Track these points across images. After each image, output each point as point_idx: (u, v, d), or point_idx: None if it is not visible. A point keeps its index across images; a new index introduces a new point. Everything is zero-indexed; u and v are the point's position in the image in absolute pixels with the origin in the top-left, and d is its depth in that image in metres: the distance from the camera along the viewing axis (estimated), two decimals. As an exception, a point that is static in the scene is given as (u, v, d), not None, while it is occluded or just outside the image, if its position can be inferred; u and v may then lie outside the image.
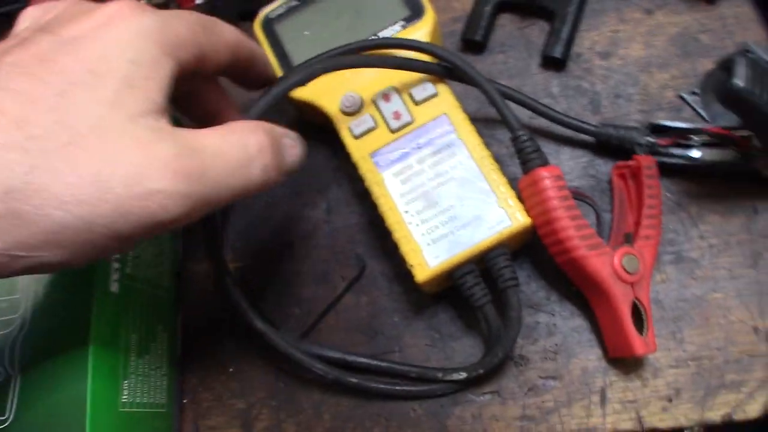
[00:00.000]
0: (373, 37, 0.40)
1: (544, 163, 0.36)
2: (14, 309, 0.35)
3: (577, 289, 0.39)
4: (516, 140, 0.37)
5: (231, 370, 0.42)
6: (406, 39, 0.39)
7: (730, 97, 0.34)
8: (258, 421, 0.41)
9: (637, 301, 0.36)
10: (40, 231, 0.24)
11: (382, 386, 0.39)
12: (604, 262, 0.35)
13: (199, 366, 0.42)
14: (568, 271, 0.37)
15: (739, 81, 0.33)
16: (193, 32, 0.30)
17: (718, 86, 0.34)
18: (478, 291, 0.37)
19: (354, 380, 0.38)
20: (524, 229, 0.36)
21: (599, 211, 0.40)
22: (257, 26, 0.43)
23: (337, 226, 0.43)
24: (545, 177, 0.36)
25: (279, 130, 0.32)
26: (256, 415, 0.41)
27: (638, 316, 0.36)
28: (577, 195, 0.39)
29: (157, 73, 0.28)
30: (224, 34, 0.33)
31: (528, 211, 0.37)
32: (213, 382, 0.42)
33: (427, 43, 0.39)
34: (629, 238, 0.38)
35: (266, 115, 0.36)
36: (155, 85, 0.27)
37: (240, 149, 0.29)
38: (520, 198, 0.37)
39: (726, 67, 0.34)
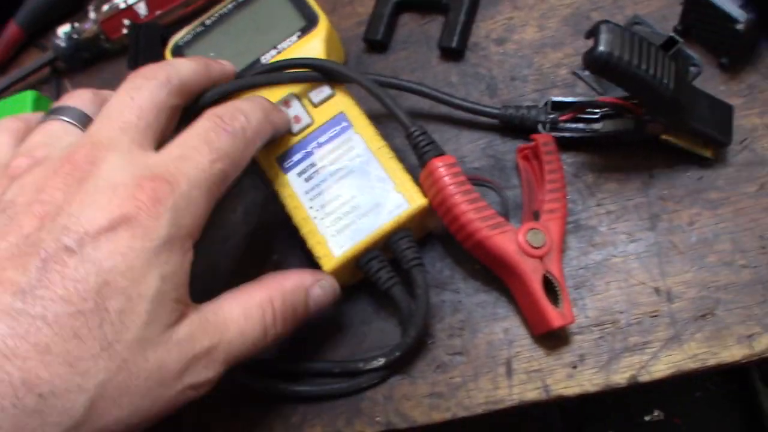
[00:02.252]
0: (263, 60, 0.40)
1: (439, 153, 0.35)
2: None
3: (483, 267, 0.36)
4: (410, 136, 0.35)
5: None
6: (284, 60, 0.38)
7: (593, 64, 0.32)
8: (185, 419, 0.39)
9: (548, 274, 0.33)
10: None
11: (308, 388, 0.36)
12: (509, 240, 0.33)
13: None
14: (478, 255, 0.35)
15: (602, 47, 0.31)
16: (200, 210, 0.29)
17: (585, 56, 0.32)
18: (384, 274, 0.35)
19: (283, 387, 0.36)
20: (422, 210, 0.35)
21: (501, 193, 0.37)
22: (168, 54, 0.43)
23: (254, 228, 0.41)
24: (439, 166, 0.34)
25: (301, 284, 0.32)
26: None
27: (553, 290, 0.33)
28: (477, 179, 0.37)
29: (182, 274, 0.27)
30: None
31: (431, 202, 0.35)
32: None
33: (301, 59, 0.38)
34: (537, 216, 0.36)
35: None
36: (182, 284, 0.27)
37: (258, 326, 0.30)
38: (423, 191, 0.35)
39: (593, 35, 0.32)
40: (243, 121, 0.30)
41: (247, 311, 0.29)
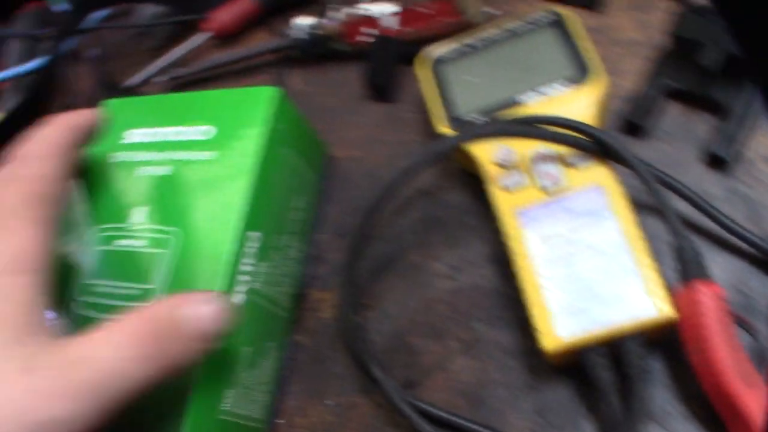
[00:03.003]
0: (518, 99, 0.38)
1: (706, 277, 0.31)
2: (147, 298, 0.34)
3: (709, 413, 0.33)
4: (680, 248, 0.32)
5: (331, 402, 0.39)
6: (572, 120, 0.35)
7: None
8: (345, 461, 0.37)
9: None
10: None
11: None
12: (759, 401, 0.29)
13: (300, 391, 0.39)
14: (714, 400, 0.31)
15: None
16: (16, 236, 0.28)
17: None
18: (604, 375, 0.32)
19: None
20: (669, 323, 0.31)
21: (758, 340, 0.33)
22: (427, 65, 0.41)
23: (462, 286, 0.39)
24: (707, 295, 0.30)
25: (172, 303, 0.28)
26: (345, 455, 0.37)
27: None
28: (739, 319, 0.33)
29: (17, 301, 0.26)
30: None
31: (682, 323, 0.31)
32: (311, 411, 0.39)
33: (582, 125, 0.35)
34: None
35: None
36: (18, 312, 0.25)
37: (132, 359, 0.26)
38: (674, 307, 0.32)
39: None
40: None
41: (115, 342, 0.26)
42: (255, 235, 0.36)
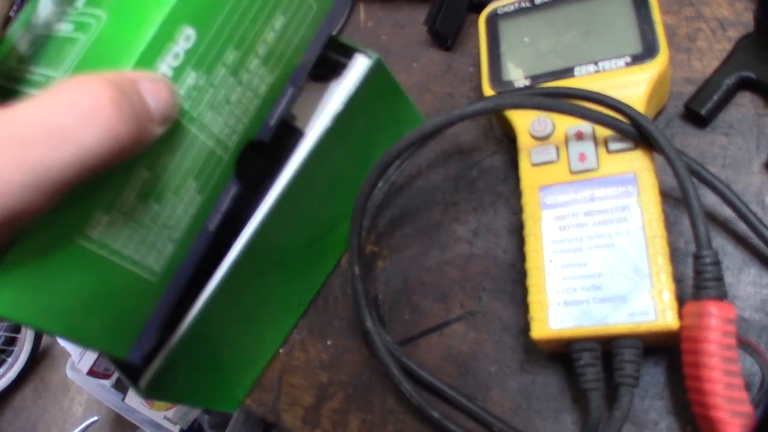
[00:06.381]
0: (577, 72, 0.36)
1: (720, 296, 0.29)
2: (45, 86, 0.29)
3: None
4: (698, 259, 0.30)
5: (329, 342, 0.40)
6: (611, 99, 0.33)
7: None
8: (331, 400, 0.39)
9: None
10: None
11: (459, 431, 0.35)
12: None
13: (305, 326, 0.41)
14: (699, 422, 0.30)
15: None
16: None
17: None
18: (590, 373, 0.31)
19: (435, 415, 0.35)
20: (667, 332, 0.30)
21: (765, 371, 0.31)
22: (482, 18, 0.40)
23: (478, 252, 0.39)
24: (713, 315, 0.28)
25: (131, 75, 0.25)
26: (332, 394, 0.39)
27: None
28: (745, 343, 0.31)
29: None
30: None
31: (683, 338, 0.30)
32: (310, 347, 0.41)
33: (624, 106, 0.33)
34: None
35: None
36: None
37: (66, 114, 0.22)
38: (680, 321, 0.30)
39: None
40: None
41: (56, 100, 0.22)
42: (189, 32, 0.28)
